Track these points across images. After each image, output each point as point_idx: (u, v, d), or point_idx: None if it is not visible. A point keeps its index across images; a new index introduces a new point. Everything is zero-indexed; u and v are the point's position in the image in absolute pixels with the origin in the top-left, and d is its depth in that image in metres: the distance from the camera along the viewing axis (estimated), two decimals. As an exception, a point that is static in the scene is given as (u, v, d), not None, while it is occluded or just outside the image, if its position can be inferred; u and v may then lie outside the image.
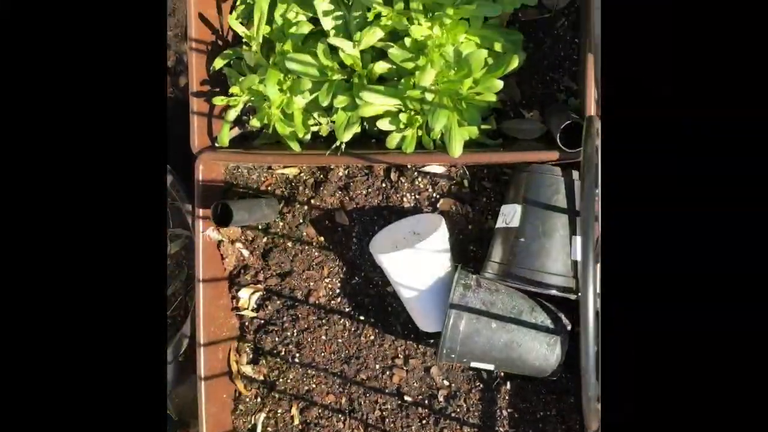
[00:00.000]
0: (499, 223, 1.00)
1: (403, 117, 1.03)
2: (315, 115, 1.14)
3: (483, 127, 1.06)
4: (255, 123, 1.16)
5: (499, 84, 1.00)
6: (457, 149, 0.99)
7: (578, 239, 0.95)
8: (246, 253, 1.20)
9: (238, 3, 1.18)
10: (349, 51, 1.03)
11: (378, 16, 1.01)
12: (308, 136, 1.13)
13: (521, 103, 1.09)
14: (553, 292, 0.94)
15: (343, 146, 1.06)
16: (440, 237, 1.02)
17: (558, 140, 0.91)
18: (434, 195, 1.10)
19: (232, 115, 1.14)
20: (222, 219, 1.07)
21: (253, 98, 1.13)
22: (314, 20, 1.09)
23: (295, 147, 1.10)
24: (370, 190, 1.13)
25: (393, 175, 1.12)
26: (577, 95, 1.04)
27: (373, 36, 1.01)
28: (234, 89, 1.12)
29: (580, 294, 0.82)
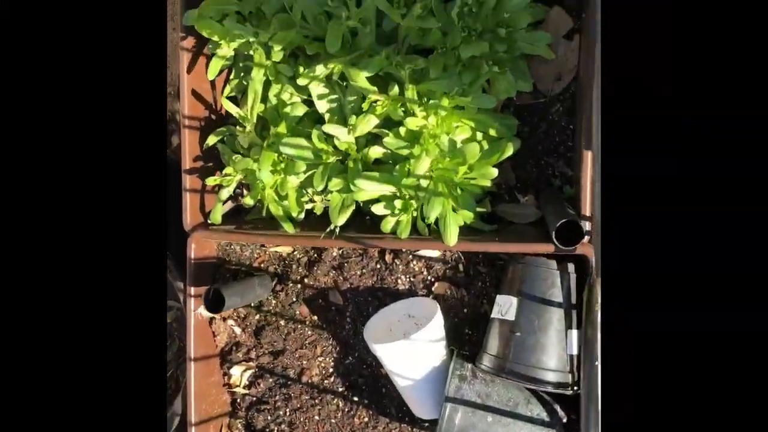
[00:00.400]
0: (495, 313, 0.99)
1: (398, 203, 1.03)
2: (309, 191, 1.13)
3: (478, 209, 1.05)
4: (248, 201, 1.15)
5: (494, 172, 0.99)
6: (452, 238, 0.98)
7: (574, 333, 0.95)
8: (238, 330, 1.19)
9: (231, 77, 1.17)
10: (344, 138, 1.02)
11: (373, 103, 1.00)
12: (302, 215, 1.12)
13: (516, 187, 1.08)
14: (549, 389, 0.93)
15: (338, 230, 1.06)
16: (436, 326, 1.01)
17: (554, 237, 0.90)
18: (429, 278, 1.09)
19: (225, 194, 1.13)
20: (214, 304, 1.05)
21: (246, 176, 1.12)
22: (309, 101, 1.08)
23: (289, 228, 1.09)
24: (364, 271, 1.12)
25: (388, 257, 1.11)
26: (572, 183, 1.04)
27: (368, 124, 1.01)
28: (228, 170, 1.11)
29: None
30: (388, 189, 1.02)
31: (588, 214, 0.95)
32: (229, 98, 1.18)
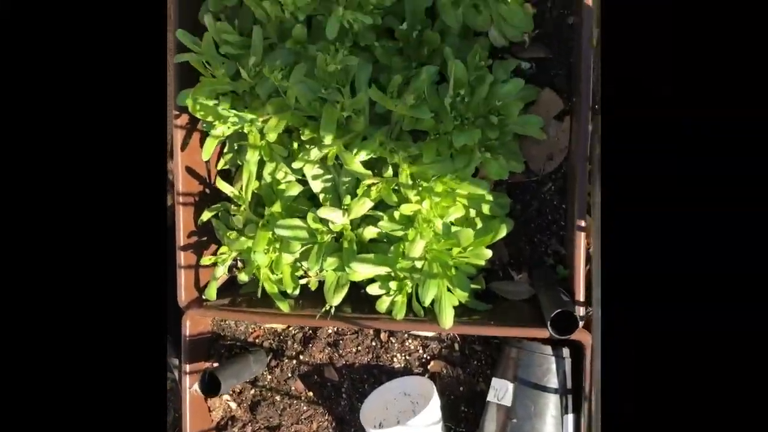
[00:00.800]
0: (491, 397, 1.00)
1: (393, 284, 1.03)
2: (304, 264, 1.13)
3: (472, 286, 1.06)
4: (243, 277, 1.15)
5: (488, 253, 1.00)
6: (447, 321, 0.99)
7: (570, 417, 0.95)
8: (234, 405, 1.18)
9: (225, 151, 1.18)
10: (338, 222, 1.03)
11: (368, 187, 1.01)
12: (297, 291, 1.12)
13: (510, 263, 1.09)
14: (546, 476, 0.94)
15: (333, 309, 1.06)
16: (432, 409, 1.01)
17: (549, 327, 0.91)
18: (425, 356, 1.09)
19: (220, 271, 1.13)
20: (210, 387, 1.05)
21: (241, 252, 1.12)
22: (304, 180, 1.09)
23: (284, 307, 1.09)
24: (359, 348, 1.12)
25: (383, 335, 1.11)
26: (565, 263, 1.05)
27: (362, 207, 1.02)
28: (223, 249, 1.11)
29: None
30: (383, 270, 1.03)
31: (581, 299, 0.96)
32: (222, 171, 1.20)
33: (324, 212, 1.02)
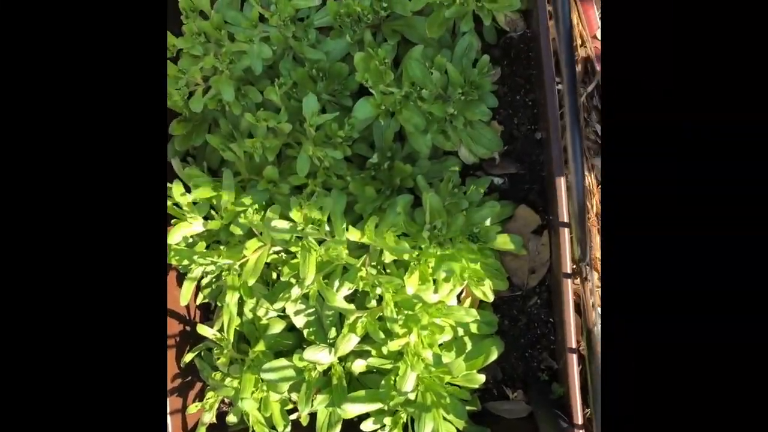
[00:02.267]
0: None
1: (387, 420, 1.00)
2: (293, 396, 1.10)
3: (467, 408, 1.04)
4: (232, 419, 1.11)
5: (481, 379, 0.98)
6: (446, 456, 0.96)
7: None
8: None
9: (203, 285, 1.15)
10: (325, 361, 1.00)
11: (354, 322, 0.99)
12: (288, 429, 1.09)
13: (503, 380, 1.07)
14: None
15: (328, 450, 1.02)
16: None
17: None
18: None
19: (208, 417, 1.09)
20: None
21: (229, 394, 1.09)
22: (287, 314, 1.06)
23: (277, 451, 1.05)
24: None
25: (381, 469, 1.08)
26: (558, 380, 1.03)
27: (349, 343, 0.99)
28: (209, 394, 1.08)
29: None
30: (375, 407, 1.00)
31: (579, 422, 0.94)
32: (202, 305, 1.17)
33: (310, 354, 1.00)
